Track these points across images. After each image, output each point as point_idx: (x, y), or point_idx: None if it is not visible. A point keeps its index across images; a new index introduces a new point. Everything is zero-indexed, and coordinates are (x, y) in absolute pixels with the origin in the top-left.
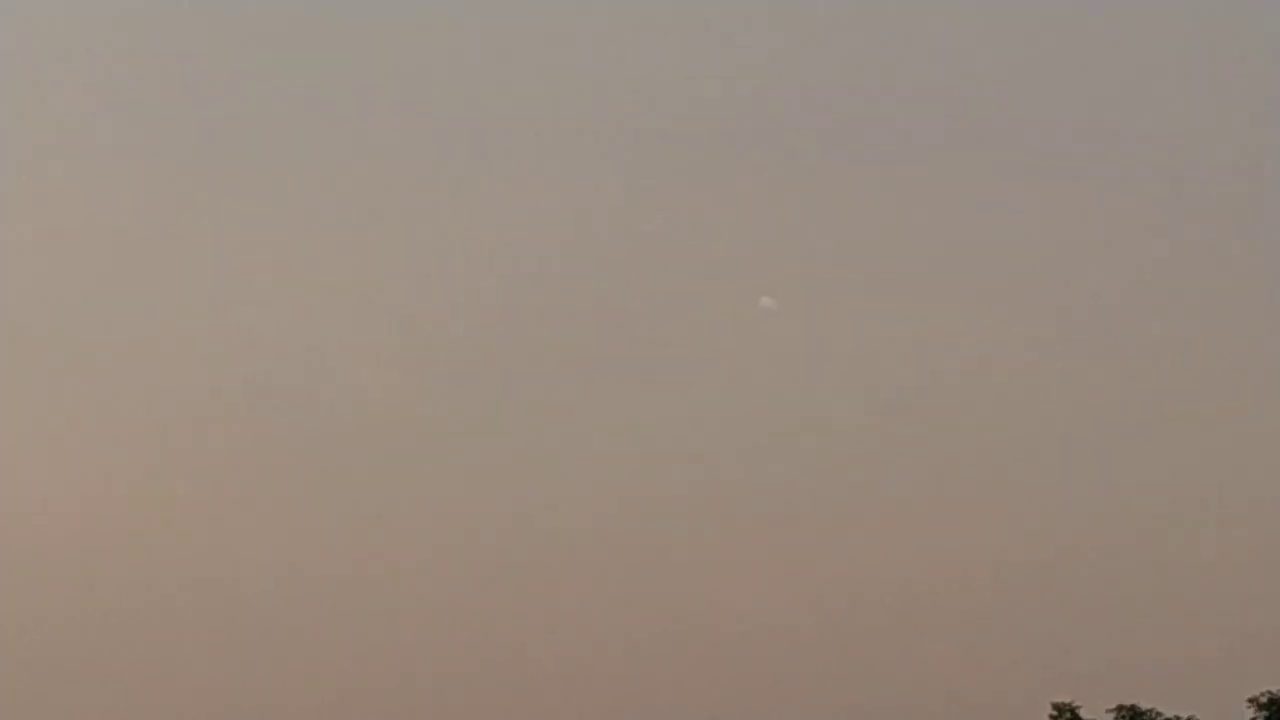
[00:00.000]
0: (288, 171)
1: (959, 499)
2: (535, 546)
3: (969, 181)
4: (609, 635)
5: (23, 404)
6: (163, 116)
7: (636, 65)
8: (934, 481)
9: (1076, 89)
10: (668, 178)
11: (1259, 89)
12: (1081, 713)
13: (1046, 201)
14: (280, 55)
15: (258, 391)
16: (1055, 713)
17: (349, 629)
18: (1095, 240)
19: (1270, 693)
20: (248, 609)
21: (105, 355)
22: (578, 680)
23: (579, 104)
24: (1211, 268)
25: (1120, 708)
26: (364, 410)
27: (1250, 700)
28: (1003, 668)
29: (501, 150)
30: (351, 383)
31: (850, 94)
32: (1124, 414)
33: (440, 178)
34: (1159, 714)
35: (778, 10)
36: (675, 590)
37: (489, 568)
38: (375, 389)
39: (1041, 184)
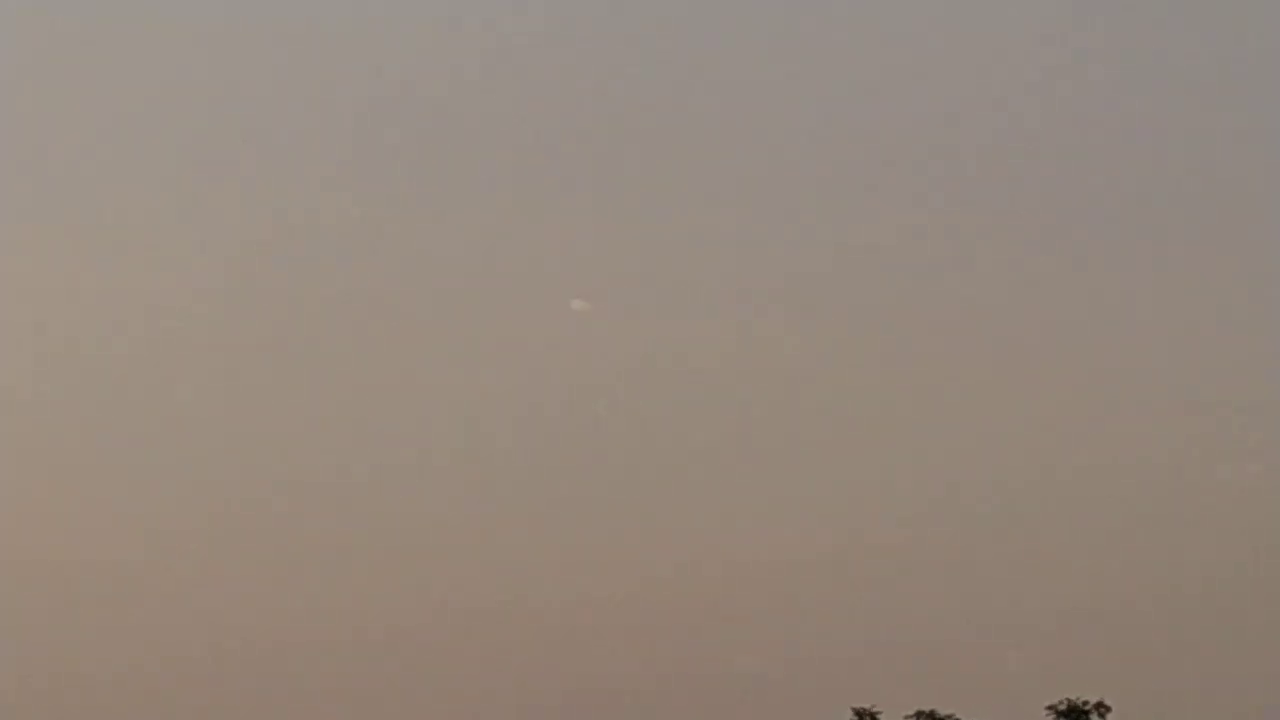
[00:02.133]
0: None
1: (753, 493)
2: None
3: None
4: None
5: None
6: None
7: (466, 71)
8: (739, 476)
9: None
10: (480, 183)
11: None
12: (881, 717)
13: (860, 206)
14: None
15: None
16: (856, 717)
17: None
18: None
19: (1069, 700)
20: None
21: None
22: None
23: (412, 110)
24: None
25: (920, 713)
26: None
27: (1049, 707)
28: (804, 672)
29: (310, 154)
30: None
31: (663, 104)
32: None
33: (229, 172)
34: (958, 719)
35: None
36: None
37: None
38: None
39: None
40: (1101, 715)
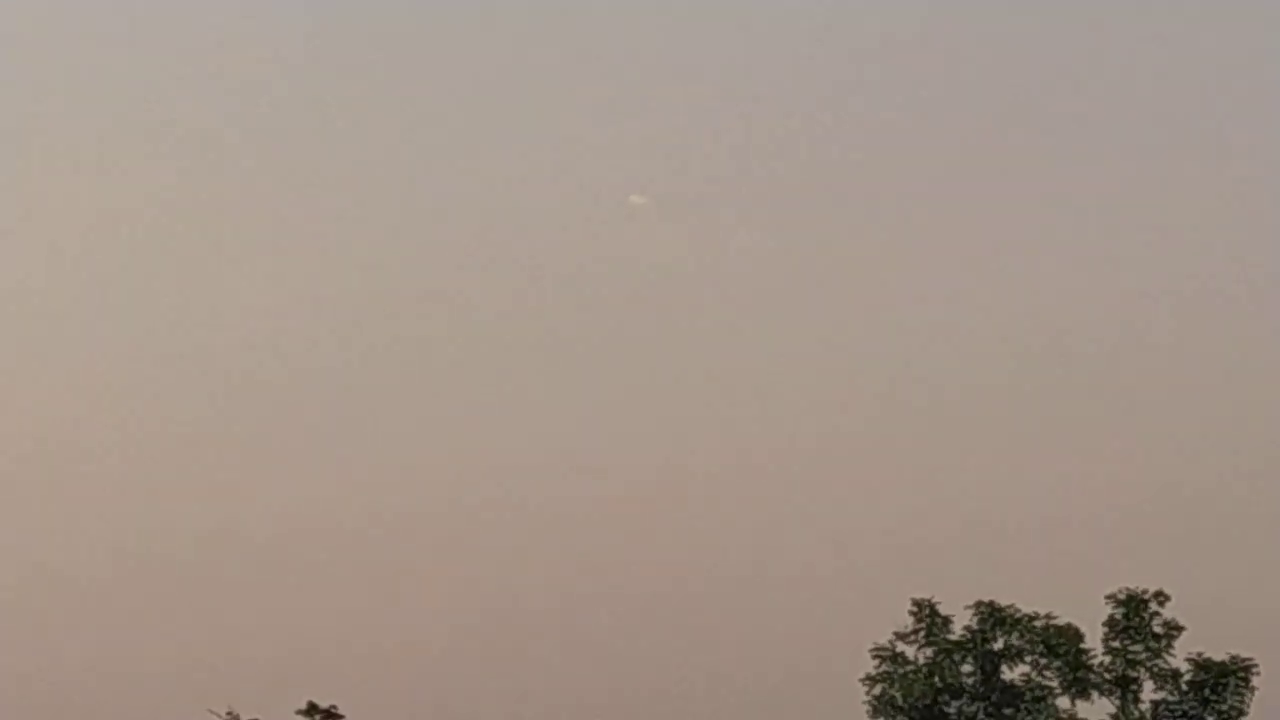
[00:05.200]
0: None
1: (811, 385)
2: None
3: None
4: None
5: None
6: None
7: None
8: (812, 379)
9: None
10: (538, 73)
11: None
12: (940, 609)
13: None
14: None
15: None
16: (915, 609)
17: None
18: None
19: (1128, 589)
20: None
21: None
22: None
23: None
24: None
25: (979, 604)
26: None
27: (1108, 596)
28: (863, 563)
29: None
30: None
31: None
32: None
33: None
34: (1017, 610)
35: None
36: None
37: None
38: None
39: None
40: (1160, 604)
